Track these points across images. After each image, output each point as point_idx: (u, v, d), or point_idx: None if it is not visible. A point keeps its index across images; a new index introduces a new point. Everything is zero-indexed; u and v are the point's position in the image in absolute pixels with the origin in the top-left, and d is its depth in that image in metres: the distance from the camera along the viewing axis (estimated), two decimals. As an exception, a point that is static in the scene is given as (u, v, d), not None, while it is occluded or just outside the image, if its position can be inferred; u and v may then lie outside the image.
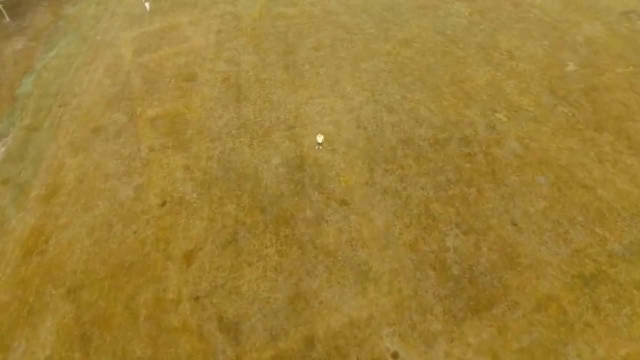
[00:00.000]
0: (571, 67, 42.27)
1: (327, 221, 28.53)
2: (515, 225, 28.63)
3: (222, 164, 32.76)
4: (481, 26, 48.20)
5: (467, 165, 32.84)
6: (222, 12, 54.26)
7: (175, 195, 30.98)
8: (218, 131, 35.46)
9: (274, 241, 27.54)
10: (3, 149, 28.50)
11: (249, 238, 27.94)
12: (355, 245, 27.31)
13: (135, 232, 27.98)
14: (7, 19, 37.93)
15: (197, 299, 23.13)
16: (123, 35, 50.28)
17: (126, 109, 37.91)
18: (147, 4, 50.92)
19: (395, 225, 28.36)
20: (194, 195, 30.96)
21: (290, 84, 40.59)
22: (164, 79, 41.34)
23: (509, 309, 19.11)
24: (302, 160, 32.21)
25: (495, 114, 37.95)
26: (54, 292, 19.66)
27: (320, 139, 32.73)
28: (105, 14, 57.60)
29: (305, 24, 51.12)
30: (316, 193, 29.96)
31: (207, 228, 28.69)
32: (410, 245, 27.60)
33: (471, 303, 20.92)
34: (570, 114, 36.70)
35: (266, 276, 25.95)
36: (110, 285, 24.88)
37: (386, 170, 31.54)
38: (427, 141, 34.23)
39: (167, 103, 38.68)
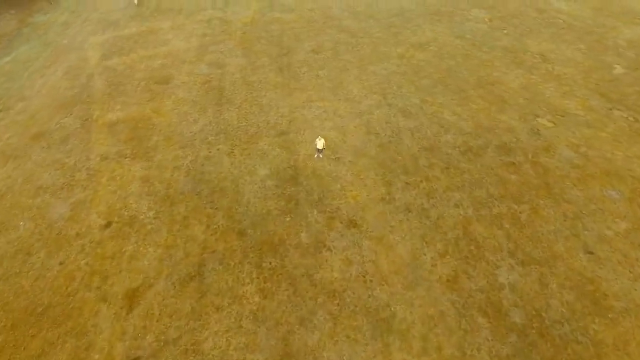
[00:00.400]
0: (619, 70, 35.53)
1: (329, 248, 20.67)
2: (591, 253, 20.70)
3: (191, 176, 25.13)
4: (505, 31, 42.33)
5: (513, 177, 25.17)
6: (210, 17, 47.90)
7: (126, 214, 23.06)
8: (191, 137, 28.10)
9: (255, 276, 19.60)
10: None
11: (220, 271, 19.96)
12: (371, 281, 19.38)
13: (61, 263, 20.02)
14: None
15: None
16: (93, 39, 44.11)
17: (80, 113, 30.77)
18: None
19: (424, 254, 20.44)
20: (151, 214, 23.04)
21: (284, 87, 33.59)
22: (133, 82, 34.56)
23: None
24: (297, 171, 24.63)
25: (538, 119, 30.89)
26: None
27: (320, 144, 25.25)
28: (77, 20, 50.71)
29: (302, 28, 44.95)
30: (315, 211, 22.21)
31: (162, 257, 20.65)
32: (448, 281, 19.57)
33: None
34: (632, 119, 29.57)
35: (241, 327, 18.00)
36: (6, 341, 16.54)
37: (407, 184, 23.92)
38: (457, 149, 26.81)
39: (132, 107, 31.53)
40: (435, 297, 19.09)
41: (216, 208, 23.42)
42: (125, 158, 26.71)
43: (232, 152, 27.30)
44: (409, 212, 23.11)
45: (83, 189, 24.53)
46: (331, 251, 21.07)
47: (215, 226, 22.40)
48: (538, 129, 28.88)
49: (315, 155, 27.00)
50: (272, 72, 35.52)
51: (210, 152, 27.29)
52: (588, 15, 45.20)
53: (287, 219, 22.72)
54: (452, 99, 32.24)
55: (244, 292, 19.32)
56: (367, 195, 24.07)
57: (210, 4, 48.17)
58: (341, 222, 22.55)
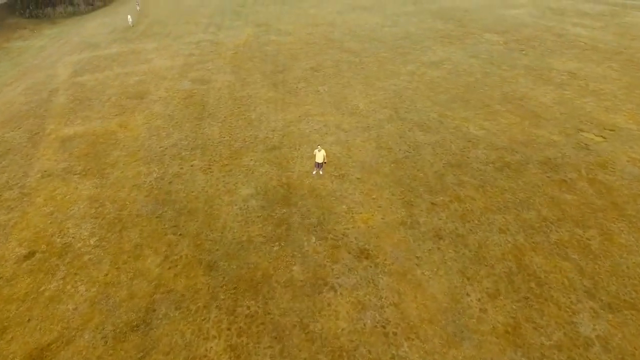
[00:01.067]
0: (663, 85, 30.98)
1: (333, 287, 14.44)
2: None
3: (154, 195, 19.41)
4: (523, 52, 38.43)
5: (568, 196, 19.72)
6: (200, 40, 43.94)
7: (58, 241, 16.88)
8: (160, 153, 22.70)
9: (225, 326, 13.17)
10: None
11: (175, 319, 13.49)
12: (394, 334, 12.99)
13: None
14: None
15: None
16: (67, 58, 40.14)
17: (31, 127, 25.77)
18: (130, 18, 47.45)
19: (468, 295, 14.05)
20: (92, 241, 16.86)
21: (278, 102, 28.63)
22: (102, 97, 29.42)
23: None
24: (290, 189, 18.99)
25: (582, 133, 25.51)
26: None
27: (320, 156, 19.96)
28: (55, 44, 47.37)
29: (301, 48, 40.88)
30: (313, 238, 16.29)
31: (96, 299, 14.11)
32: (507, 333, 13.20)
33: None
34: (697, 132, 24.38)
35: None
36: None
37: (433, 204, 18.17)
38: (490, 165, 21.34)
39: (95, 121, 26.09)
40: (492, 358, 12.74)
41: (180, 234, 17.52)
42: (74, 175, 21.16)
43: (209, 168, 21.78)
44: (440, 239, 17.19)
45: (8, 210, 18.73)
46: (335, 291, 14.94)
47: (176, 257, 16.39)
48: (586, 144, 23.55)
49: (314, 172, 21.47)
50: (265, 88, 30.85)
51: (181, 168, 21.78)
52: (612, 39, 41.57)
53: (275, 248, 16.75)
54: (477, 113, 27.24)
55: (206, 350, 12.98)
56: (382, 219, 18.23)
57: (202, 28, 44.83)
58: (349, 252, 16.56)
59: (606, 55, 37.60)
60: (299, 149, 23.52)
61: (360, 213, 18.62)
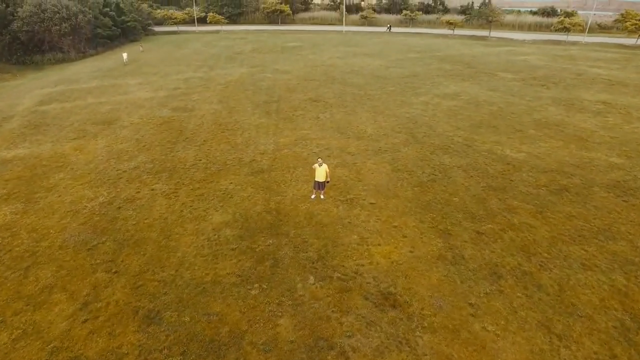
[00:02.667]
0: None
1: (343, 351, 8.56)
2: None
3: (92, 223, 14.18)
4: (544, 86, 34.75)
5: (659, 224, 14.18)
6: (189, 77, 39.67)
7: None
8: (116, 176, 17.83)
9: None
10: None
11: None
12: None
13: None
14: None
15: None
16: (39, 91, 36.35)
17: (-38, 150, 20.91)
18: (125, 55, 46.80)
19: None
20: (-24, 280, 11.30)
21: (270, 127, 24.44)
22: (63, 123, 25.20)
23: None
24: (280, 216, 13.81)
25: (646, 156, 20.75)
26: None
27: (321, 172, 14.98)
28: (34, 83, 43.61)
29: (298, 83, 35.23)
30: (310, 278, 10.78)
31: None
32: None
33: None
34: None
35: None
36: None
37: (480, 233, 12.80)
38: (543, 188, 16.40)
39: (45, 144, 21.81)
40: None
41: (116, 272, 11.90)
42: (-8, 200, 15.91)
43: (175, 192, 16.55)
44: (499, 278, 11.58)
45: None
46: (347, 358, 9.13)
47: (100, 304, 10.68)
48: (657, 167, 18.60)
49: (313, 195, 16.21)
50: (256, 115, 26.46)
51: (138, 192, 16.54)
52: (636, 77, 38.26)
53: (253, 292, 11.09)
54: (509, 137, 22.55)
55: None
56: (411, 252, 12.71)
57: (193, 69, 41.60)
58: (366, 298, 10.87)
59: (637, 89, 33.93)
60: (293, 172, 18.44)
61: (379, 245, 13.10)
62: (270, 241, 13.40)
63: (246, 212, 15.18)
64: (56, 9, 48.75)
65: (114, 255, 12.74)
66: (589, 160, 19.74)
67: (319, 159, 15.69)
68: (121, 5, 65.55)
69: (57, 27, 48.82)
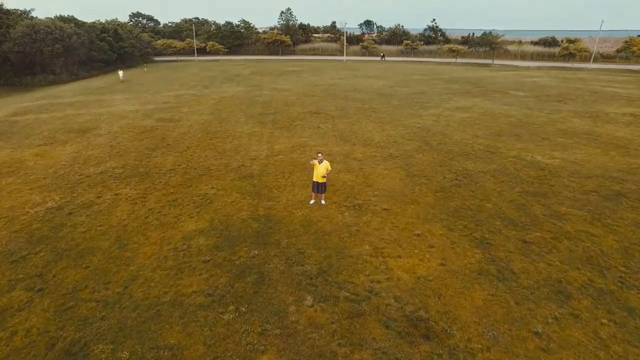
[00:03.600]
0: None
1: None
2: None
3: (28, 230, 11.24)
4: (562, 102, 32.34)
5: None
6: (181, 94, 37.05)
7: None
8: (76, 181, 14.99)
9: None
10: None
11: None
12: None
13: None
14: None
15: None
16: (17, 105, 32.34)
17: None
18: (120, 73, 47.64)
19: None
20: None
21: (265, 135, 21.88)
22: (32, 132, 22.58)
23: None
24: (270, 223, 10.65)
25: (702, 163, 17.76)
26: None
27: (321, 169, 12.04)
28: (18, 98, 40.52)
29: (297, 99, 33.67)
30: (308, 298, 7.25)
31: None
32: None
33: None
34: None
35: None
36: None
37: (527, 242, 9.53)
38: (593, 194, 13.39)
39: (3, 150, 18.89)
40: None
41: (41, 290, 8.71)
42: None
43: (143, 198, 13.53)
44: (568, 298, 8.41)
45: None
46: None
47: (6, 333, 7.46)
48: None
49: (312, 200, 13.18)
50: (249, 125, 23.79)
51: (99, 197, 13.53)
52: (656, 94, 35.99)
53: (227, 317, 7.89)
54: (537, 145, 19.74)
55: None
56: (443, 265, 9.57)
57: (186, 88, 39.37)
58: (387, 326, 7.66)
59: (662, 105, 31.51)
60: (289, 177, 15.46)
61: (398, 256, 9.96)
62: (256, 252, 10.24)
63: (227, 218, 12.08)
64: (49, 30, 47.24)
65: (45, 268, 9.57)
66: (638, 166, 16.81)
67: (319, 154, 12.76)
68: (119, 31, 64.65)
69: (49, 48, 47.12)
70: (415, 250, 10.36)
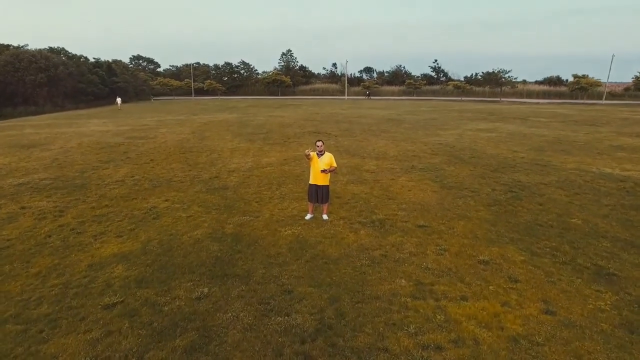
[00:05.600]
0: None
1: None
2: None
3: None
4: (594, 126, 28.58)
5: None
6: (164, 118, 33.41)
7: None
8: (12, 190, 10.34)
9: None
10: None
11: None
12: None
13: None
14: None
15: None
16: None
17: None
18: (118, 100, 49.95)
19: None
20: None
21: (251, 150, 17.65)
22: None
23: None
24: (238, 244, 5.88)
25: None
26: None
27: (320, 165, 7.70)
28: None
29: (295, 122, 31.11)
30: None
31: None
32: None
33: None
34: None
35: None
36: None
37: None
38: None
39: None
40: None
41: None
42: None
43: (60, 212, 9.22)
44: None
45: None
46: None
47: None
48: None
49: (308, 215, 8.87)
50: (234, 141, 19.80)
51: (21, 206, 9.26)
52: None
53: None
54: (597, 159, 15.62)
55: None
56: (551, 313, 5.13)
57: (174, 115, 35.83)
58: None
59: None
60: (277, 189, 11.18)
61: (463, 298, 5.51)
62: (205, 290, 5.80)
63: (173, 239, 7.69)
64: (34, 59, 44.60)
65: None
66: None
67: (319, 142, 8.60)
68: (113, 66, 62.49)
69: (32, 77, 44.27)
70: (490, 287, 5.90)
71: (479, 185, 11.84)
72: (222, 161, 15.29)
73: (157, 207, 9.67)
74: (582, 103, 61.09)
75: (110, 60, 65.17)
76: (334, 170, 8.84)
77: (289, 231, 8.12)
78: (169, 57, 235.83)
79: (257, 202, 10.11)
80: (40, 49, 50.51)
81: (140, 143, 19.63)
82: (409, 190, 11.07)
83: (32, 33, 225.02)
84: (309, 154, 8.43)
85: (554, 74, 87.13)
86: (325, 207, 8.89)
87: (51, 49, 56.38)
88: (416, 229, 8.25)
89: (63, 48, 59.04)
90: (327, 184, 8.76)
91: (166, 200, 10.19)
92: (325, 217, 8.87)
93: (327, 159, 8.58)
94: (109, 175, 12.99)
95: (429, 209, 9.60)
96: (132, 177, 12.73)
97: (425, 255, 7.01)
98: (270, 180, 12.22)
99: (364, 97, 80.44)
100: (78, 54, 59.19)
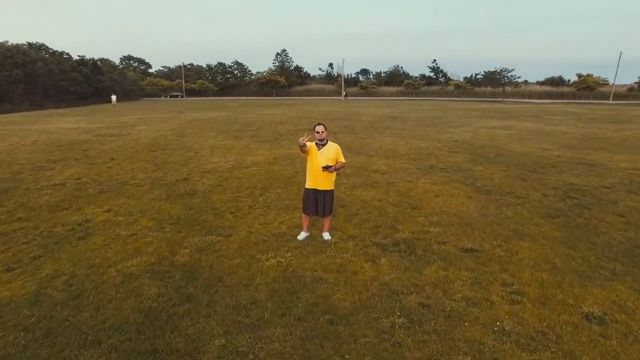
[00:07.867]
0: None
1: None
2: None
3: None
4: (616, 123, 26.17)
5: None
6: (147, 116, 30.52)
7: None
8: None
9: None
10: None
11: None
12: None
13: None
14: None
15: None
16: None
17: None
18: (113, 97, 50.31)
19: None
20: None
21: (235, 148, 15.26)
22: None
23: None
24: (193, 283, 2.65)
25: None
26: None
27: (320, 160, 4.79)
28: None
29: (288, 119, 28.31)
30: None
31: None
32: None
33: None
34: None
35: None
36: None
37: None
38: None
39: None
40: None
41: None
42: None
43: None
44: None
45: None
46: None
47: None
48: None
49: (301, 234, 6.17)
50: (218, 139, 17.19)
51: None
52: None
53: None
54: (616, 154, 13.13)
55: None
56: None
57: (160, 113, 33.16)
58: None
59: None
60: (261, 195, 8.54)
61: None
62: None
63: (92, 274, 5.00)
64: (9, 54, 41.72)
65: None
66: None
67: (320, 126, 5.94)
68: (99, 64, 59.60)
69: (7, 74, 41.38)
70: None
71: (522, 189, 9.23)
72: (197, 160, 12.62)
73: (92, 221, 6.99)
74: (590, 103, 58.99)
75: (95, 58, 62.25)
76: (341, 167, 6.21)
77: (273, 260, 5.44)
78: (162, 58, 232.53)
79: (231, 212, 7.44)
80: (17, 44, 47.58)
81: (108, 141, 16.93)
82: (437, 196, 8.45)
83: (25, 33, 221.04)
84: (304, 144, 5.77)
85: (556, 74, 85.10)
86: (327, 221, 6.23)
87: (30, 45, 53.39)
88: (462, 254, 5.61)
89: (43, 44, 55.82)
90: (332, 188, 6.10)
91: (108, 211, 7.50)
92: (327, 236, 6.21)
93: (332, 152, 5.92)
94: (49, 177, 10.29)
95: (470, 222, 6.97)
96: (78, 179, 10.05)
97: (491, 304, 4.38)
98: (254, 184, 9.57)
99: (361, 98, 78.06)
100: (59, 51, 56.19)
